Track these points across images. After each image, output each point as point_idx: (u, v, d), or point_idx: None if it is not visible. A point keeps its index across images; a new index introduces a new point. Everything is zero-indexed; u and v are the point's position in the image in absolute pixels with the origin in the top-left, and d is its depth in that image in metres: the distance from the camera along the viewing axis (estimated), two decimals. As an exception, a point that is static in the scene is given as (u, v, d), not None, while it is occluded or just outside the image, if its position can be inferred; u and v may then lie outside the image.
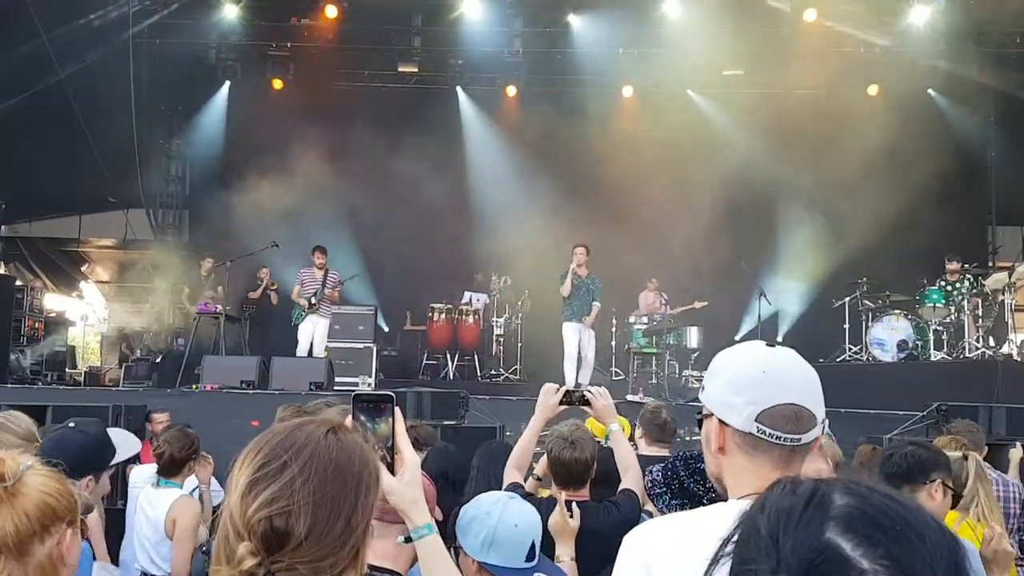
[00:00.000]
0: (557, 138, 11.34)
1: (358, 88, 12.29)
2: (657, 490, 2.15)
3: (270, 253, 10.19)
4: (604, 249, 9.49)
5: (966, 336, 8.74)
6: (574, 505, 2.47)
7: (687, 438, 5.79)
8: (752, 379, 1.25)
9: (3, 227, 12.80)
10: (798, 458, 1.24)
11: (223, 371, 8.36)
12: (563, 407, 2.61)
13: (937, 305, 9.02)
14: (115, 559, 3.64)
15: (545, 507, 2.42)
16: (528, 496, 2.53)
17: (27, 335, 10.74)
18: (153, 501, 3.44)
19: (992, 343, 8.88)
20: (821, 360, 9.82)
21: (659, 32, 11.55)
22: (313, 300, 9.31)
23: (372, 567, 1.56)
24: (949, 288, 9.31)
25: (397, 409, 1.30)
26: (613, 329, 10.61)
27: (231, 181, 11.27)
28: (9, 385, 8.94)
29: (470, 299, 11.37)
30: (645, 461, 3.53)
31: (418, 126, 11.15)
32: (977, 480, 2.72)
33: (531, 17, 12.02)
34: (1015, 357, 8.57)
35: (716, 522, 1.18)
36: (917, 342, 9.12)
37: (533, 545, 1.96)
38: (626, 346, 10.26)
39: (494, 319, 11.13)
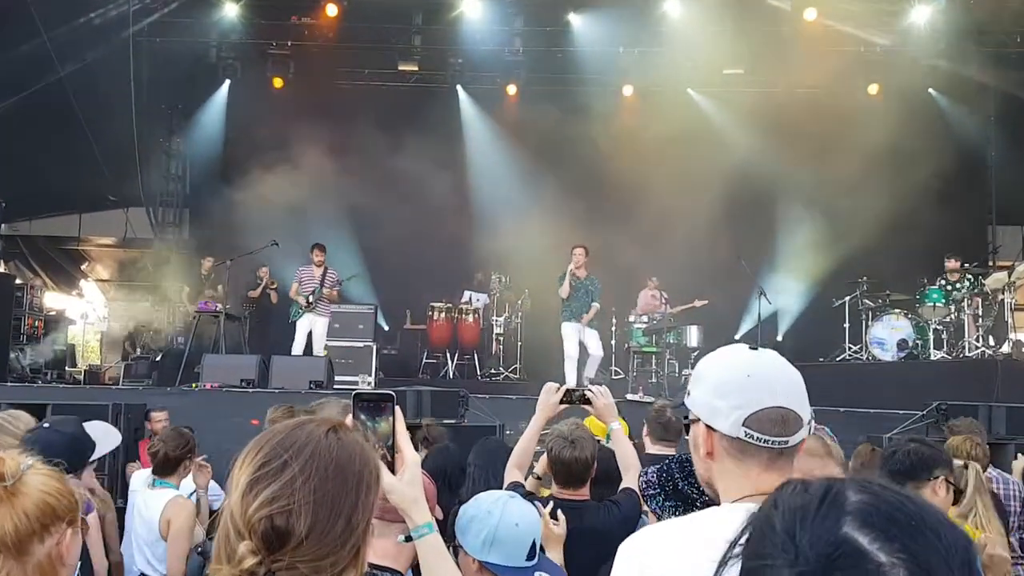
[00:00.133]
0: (557, 137, 11.34)
1: (358, 87, 12.29)
2: (651, 491, 2.15)
3: (270, 252, 10.19)
4: (604, 248, 9.50)
5: (966, 335, 8.74)
6: (559, 512, 2.46)
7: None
8: (737, 383, 1.25)
9: (3, 225, 12.80)
10: (786, 460, 1.24)
11: (223, 370, 8.36)
12: (564, 406, 2.60)
13: (937, 304, 9.02)
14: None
15: (545, 506, 2.41)
16: (529, 495, 2.53)
17: (27, 333, 10.74)
18: (148, 502, 3.44)
19: (992, 342, 8.88)
20: (821, 359, 9.83)
21: (659, 31, 11.55)
22: (311, 299, 9.30)
23: (372, 566, 1.55)
24: (949, 287, 9.31)
25: (397, 408, 1.30)
26: (613, 328, 10.61)
27: (231, 180, 11.27)
28: (9, 384, 8.94)
29: (470, 298, 11.37)
30: (650, 460, 3.54)
31: (418, 125, 11.15)
32: (976, 492, 2.72)
33: (531, 16, 12.02)
34: (1013, 357, 8.57)
35: (712, 526, 1.18)
36: (917, 341, 9.12)
37: (534, 544, 1.96)
38: (626, 345, 10.26)
39: (494, 318, 11.14)
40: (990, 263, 11.32)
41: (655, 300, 10.45)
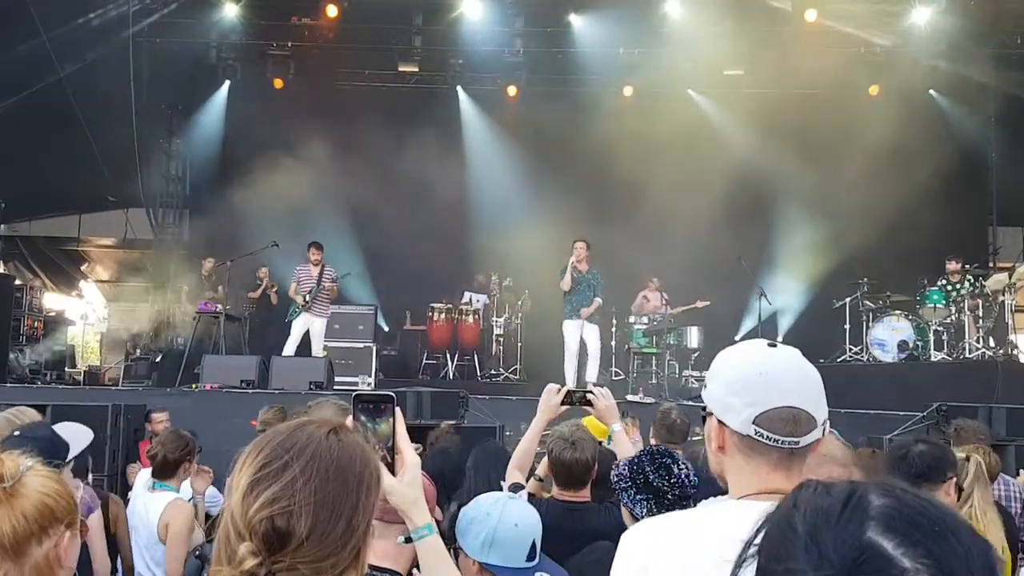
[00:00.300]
0: (557, 138, 11.35)
1: (358, 87, 12.30)
2: (623, 484, 2.16)
3: (270, 253, 10.19)
4: (604, 248, 9.49)
5: (966, 337, 8.74)
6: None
7: (703, 436, 5.79)
8: (750, 381, 1.25)
9: (3, 226, 12.80)
10: (797, 460, 1.24)
11: (223, 370, 8.38)
12: (565, 407, 2.60)
13: (938, 306, 9.02)
14: (116, 563, 3.64)
15: (545, 508, 2.41)
16: (528, 497, 2.53)
17: (26, 334, 10.74)
18: (148, 505, 3.43)
19: (992, 344, 8.88)
20: (821, 360, 9.82)
21: (660, 32, 11.55)
22: (307, 298, 9.29)
23: (372, 567, 1.55)
24: (949, 288, 9.32)
25: (397, 409, 1.30)
26: (613, 329, 10.61)
27: (231, 180, 11.27)
28: (8, 384, 8.94)
29: (470, 299, 11.37)
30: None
31: (418, 126, 11.15)
32: (975, 480, 2.73)
33: (532, 16, 12.03)
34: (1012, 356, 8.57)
35: (719, 523, 1.18)
36: (917, 342, 9.12)
37: (534, 545, 1.96)
38: (626, 346, 10.26)
39: (494, 319, 11.14)
40: (991, 264, 11.31)
41: (655, 301, 10.45)
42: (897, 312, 9.34)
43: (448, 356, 11.06)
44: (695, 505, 2.00)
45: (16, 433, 2.54)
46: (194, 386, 8.29)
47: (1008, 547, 2.72)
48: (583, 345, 8.90)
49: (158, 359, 10.46)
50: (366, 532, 1.02)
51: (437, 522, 1.39)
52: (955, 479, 2.42)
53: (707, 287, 10.50)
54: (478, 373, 10.95)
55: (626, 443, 2.68)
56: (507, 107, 12.35)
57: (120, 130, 10.66)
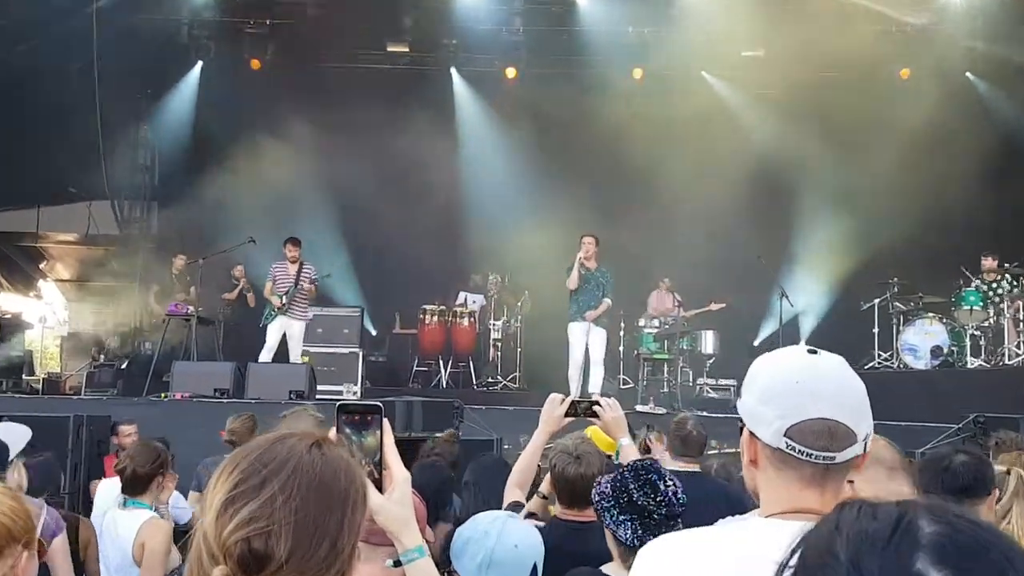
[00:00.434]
0: (560, 125, 11.35)
1: (344, 70, 12.28)
2: (605, 504, 2.15)
3: (247, 249, 10.19)
4: (610, 244, 9.49)
5: (1006, 341, 8.75)
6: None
7: (720, 450, 5.80)
8: (784, 389, 1.26)
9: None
10: (834, 477, 1.24)
11: (195, 378, 8.39)
12: (569, 419, 2.60)
13: (974, 308, 9.03)
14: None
15: (547, 527, 2.41)
16: (530, 515, 2.53)
17: (-20, 339, 10.72)
18: (119, 523, 3.42)
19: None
20: (848, 367, 9.83)
21: (672, 10, 11.55)
22: (284, 299, 9.29)
23: (358, 593, 1.55)
24: (986, 289, 9.31)
25: (385, 421, 1.30)
26: (622, 333, 10.62)
27: (204, 170, 11.26)
28: (-40, 393, 8.93)
29: (465, 300, 11.38)
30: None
31: (409, 111, 11.15)
32: (1015, 496, 2.73)
33: (533, -8, 12.04)
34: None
35: (745, 543, 1.19)
36: (952, 348, 9.13)
37: (535, 568, 1.96)
38: (635, 351, 10.27)
39: (491, 322, 11.14)
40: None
41: (667, 302, 10.46)
42: (930, 315, 9.35)
43: (441, 363, 11.06)
44: (683, 525, 2.02)
45: None
46: (163, 395, 8.28)
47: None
48: (587, 350, 8.91)
49: (124, 366, 10.44)
50: (351, 555, 1.02)
51: (428, 543, 1.39)
52: (995, 494, 2.42)
53: (723, 287, 10.50)
54: (474, 381, 10.95)
55: (635, 457, 2.68)
56: (506, 91, 12.35)
57: (82, 116, 10.63)
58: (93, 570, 3.46)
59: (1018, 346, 8.80)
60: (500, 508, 2.52)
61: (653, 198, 10.93)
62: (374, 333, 12.21)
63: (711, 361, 10.59)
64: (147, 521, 3.37)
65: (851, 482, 1.27)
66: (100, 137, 11.09)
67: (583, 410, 2.61)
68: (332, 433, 1.25)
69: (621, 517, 2.11)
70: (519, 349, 11.07)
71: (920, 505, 0.68)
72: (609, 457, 2.79)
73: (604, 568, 2.16)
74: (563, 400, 2.61)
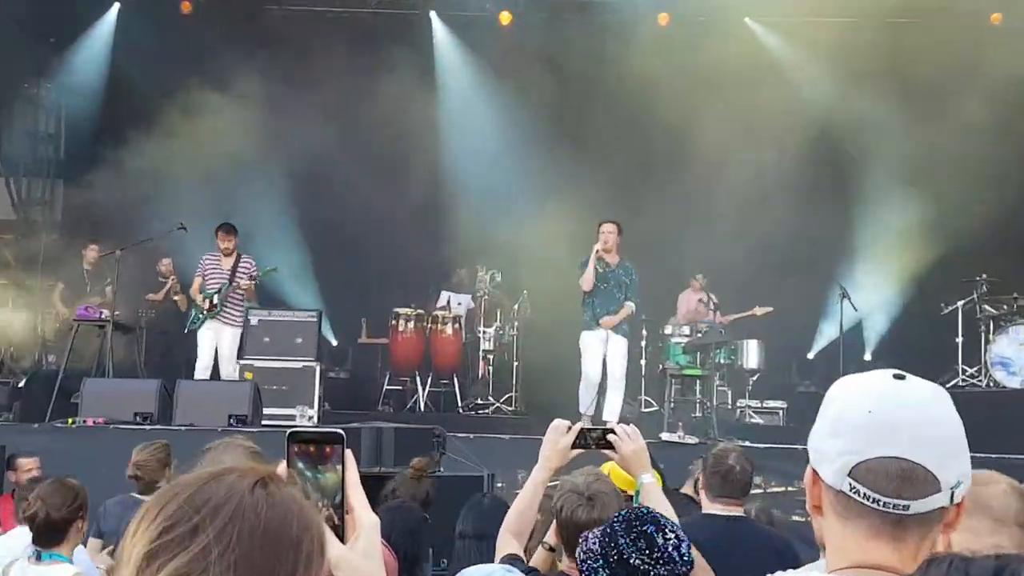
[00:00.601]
0: (567, 83, 11.36)
1: (297, 14, 12.26)
2: (592, 563, 2.16)
3: (177, 238, 10.16)
4: (630, 234, 9.50)
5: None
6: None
7: (765, 489, 5.82)
8: (854, 420, 1.28)
9: None
10: (914, 530, 1.25)
11: (110, 399, 8.37)
12: (578, 451, 2.60)
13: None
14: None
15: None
16: (532, 571, 2.53)
17: None
18: (33, 581, 3.42)
19: None
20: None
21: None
22: (215, 299, 9.27)
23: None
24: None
25: (349, 453, 1.30)
26: (644, 343, 10.62)
27: (122, 139, 11.23)
28: None
29: (448, 301, 11.36)
30: (707, 522, 3.57)
31: (379, 66, 11.14)
32: None
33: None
34: None
35: None
36: (1055, 361, 9.17)
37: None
38: (660, 366, 10.28)
39: (481, 329, 11.14)
40: None
41: (700, 305, 10.47)
42: (1028, 320, 9.38)
43: (418, 380, 11.05)
44: None
45: None
46: (71, 420, 8.25)
47: None
48: (605, 366, 8.90)
49: (21, 384, 10.39)
50: (305, 620, 1.02)
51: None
52: None
53: (770, 286, 10.51)
54: (459, 403, 10.94)
55: (661, 501, 2.68)
56: (499, 40, 12.33)
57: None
58: None
59: None
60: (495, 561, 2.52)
61: (683, 175, 10.93)
62: (335, 343, 12.20)
63: (755, 378, 10.60)
64: None
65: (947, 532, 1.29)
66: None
67: (595, 440, 2.61)
68: (281, 468, 1.25)
69: None
70: (516, 363, 11.06)
71: (1021, 560, 0.68)
72: (629, 498, 2.80)
73: None
74: (570, 428, 2.60)
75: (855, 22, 11.49)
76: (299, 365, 10.04)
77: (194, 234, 10.09)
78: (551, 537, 2.74)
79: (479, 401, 10.89)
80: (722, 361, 10.26)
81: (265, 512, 1.02)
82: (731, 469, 3.72)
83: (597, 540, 2.18)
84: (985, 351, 9.52)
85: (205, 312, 9.29)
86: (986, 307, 9.77)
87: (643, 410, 10.30)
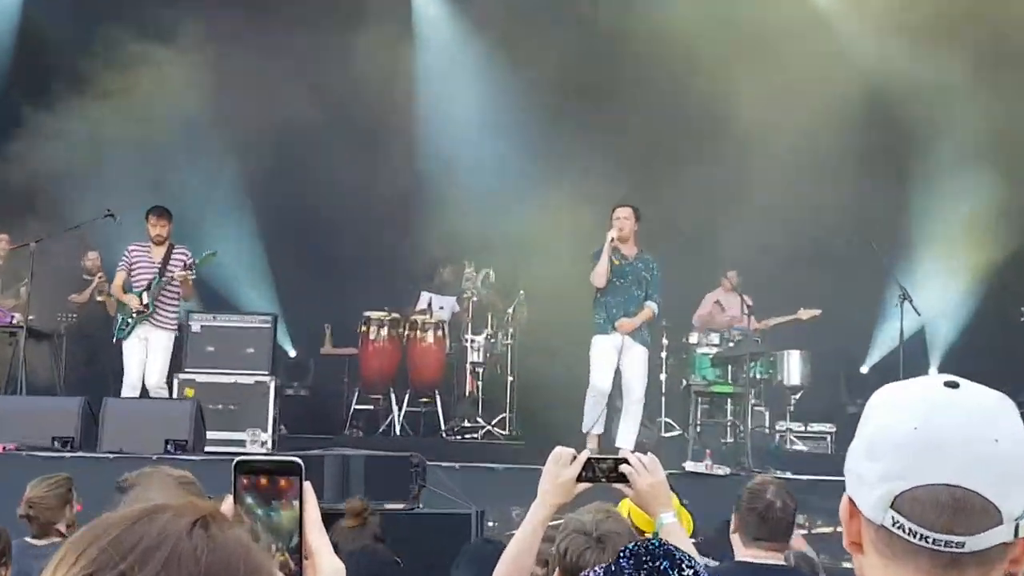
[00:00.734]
0: (570, 41, 11.32)
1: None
2: None
3: (104, 229, 10.13)
4: (648, 223, 9.50)
5: None
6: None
7: (810, 529, 5.82)
8: (896, 439, 1.25)
9: None
10: (971, 573, 1.23)
11: (24, 420, 8.35)
12: (584, 486, 2.60)
13: None
14: None
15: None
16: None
17: None
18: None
19: None
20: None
21: None
22: (146, 298, 9.23)
23: None
24: None
25: (308, 486, 1.29)
26: (664, 354, 10.63)
27: (34, 108, 11.21)
28: None
29: (429, 304, 11.36)
30: (741, 571, 3.57)
31: (347, 25, 11.13)
32: None
33: None
34: None
35: None
36: None
37: None
38: (684, 381, 10.29)
39: (468, 337, 11.14)
40: None
41: (732, 308, 10.47)
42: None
43: (393, 398, 11.05)
44: None
45: None
46: (-25, 446, 8.26)
47: None
48: (619, 379, 8.88)
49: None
50: None
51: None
52: None
53: (815, 286, 10.53)
54: (442, 426, 10.95)
55: (683, 542, 2.68)
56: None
57: None
58: None
59: None
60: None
61: (712, 152, 10.93)
62: (293, 354, 12.20)
63: (798, 396, 10.60)
64: None
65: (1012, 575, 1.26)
66: None
67: (605, 472, 2.60)
68: (227, 504, 1.24)
69: None
70: (510, 378, 11.07)
71: None
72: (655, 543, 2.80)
73: None
74: (575, 458, 2.60)
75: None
76: (250, 380, 10.05)
77: (126, 222, 10.04)
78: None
79: (466, 424, 10.89)
80: (758, 376, 10.26)
81: (206, 558, 1.01)
82: (770, 506, 3.71)
83: None
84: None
85: (135, 315, 9.24)
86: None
87: (663, 434, 10.31)
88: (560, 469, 2.59)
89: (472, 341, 11.13)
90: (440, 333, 11.07)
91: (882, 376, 11.16)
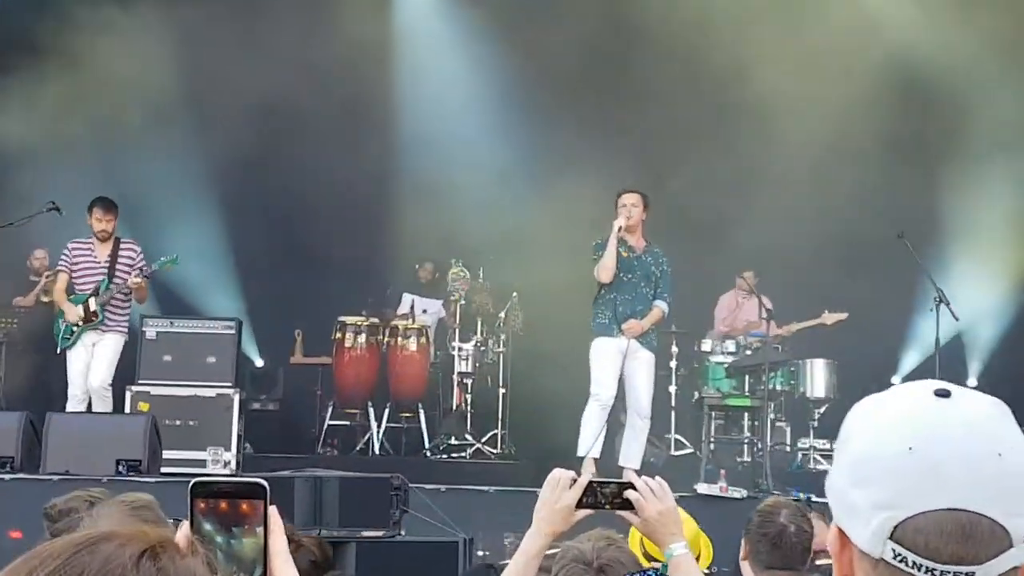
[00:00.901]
0: (568, 17, 11.34)
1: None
2: None
3: (50, 223, 10.11)
4: (654, 218, 9.50)
5: None
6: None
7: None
8: (887, 462, 1.24)
9: None
10: None
11: (-42, 439, 8.30)
12: (584, 512, 2.60)
13: None
14: None
15: None
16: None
17: None
18: None
19: None
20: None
21: None
22: (93, 305, 9.21)
23: None
24: None
25: (274, 510, 1.28)
26: (674, 363, 10.65)
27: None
28: None
29: (412, 307, 11.36)
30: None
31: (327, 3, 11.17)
32: None
33: None
34: None
35: None
36: None
37: None
38: (696, 394, 10.31)
39: (456, 344, 11.15)
40: None
41: (749, 312, 10.49)
42: None
43: (372, 413, 11.06)
44: None
45: None
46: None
47: None
48: (624, 389, 8.90)
49: None
50: None
51: None
52: None
53: (842, 287, 10.55)
54: (426, 444, 10.96)
55: (694, 573, 2.68)
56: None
57: None
58: None
59: None
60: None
61: (725, 139, 10.95)
62: (260, 363, 12.23)
63: (822, 410, 10.61)
64: None
65: None
66: None
67: (608, 498, 2.60)
68: (181, 533, 1.23)
69: None
70: (502, 390, 11.08)
71: None
72: (650, 571, 2.80)
73: None
74: (574, 481, 2.59)
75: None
76: (212, 393, 10.05)
77: (73, 216, 10.01)
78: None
79: (453, 441, 10.90)
80: (778, 387, 10.29)
81: (155, 594, 1.00)
82: (783, 531, 3.72)
83: None
84: None
85: (80, 323, 9.21)
86: None
87: (673, 453, 10.32)
88: (558, 494, 2.59)
89: (460, 349, 11.14)
90: (424, 340, 11.08)
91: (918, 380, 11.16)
